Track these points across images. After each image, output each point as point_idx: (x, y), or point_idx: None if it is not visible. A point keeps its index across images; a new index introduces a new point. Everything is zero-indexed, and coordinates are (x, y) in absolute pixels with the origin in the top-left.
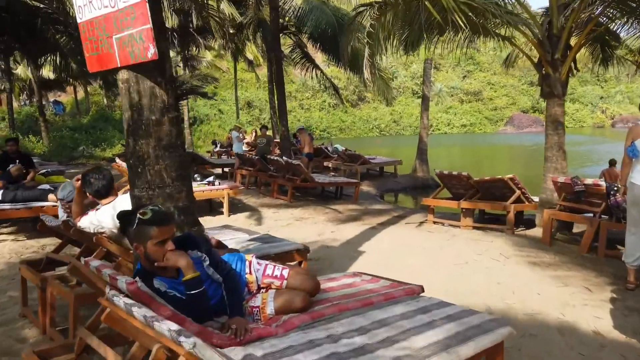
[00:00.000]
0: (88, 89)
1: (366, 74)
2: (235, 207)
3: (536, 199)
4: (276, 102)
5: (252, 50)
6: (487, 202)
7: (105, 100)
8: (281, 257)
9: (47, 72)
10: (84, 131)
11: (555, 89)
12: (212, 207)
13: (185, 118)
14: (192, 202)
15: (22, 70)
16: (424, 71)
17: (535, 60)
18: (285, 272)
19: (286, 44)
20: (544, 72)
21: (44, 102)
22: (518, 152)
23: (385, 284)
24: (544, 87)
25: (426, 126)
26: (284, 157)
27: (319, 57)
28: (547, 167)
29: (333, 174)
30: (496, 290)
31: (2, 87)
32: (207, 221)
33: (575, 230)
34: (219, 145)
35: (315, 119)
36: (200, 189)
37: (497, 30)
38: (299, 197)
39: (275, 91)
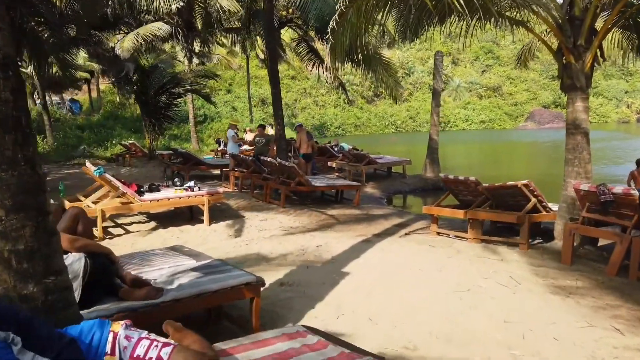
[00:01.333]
0: (102, 87)
1: (326, 74)
2: (221, 213)
3: (555, 207)
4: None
5: (261, 46)
6: (498, 212)
7: (118, 98)
8: (225, 295)
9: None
10: (93, 129)
11: (577, 80)
12: (193, 214)
13: (190, 116)
14: (51, 243)
15: (31, 69)
16: (435, 64)
17: (555, 48)
18: (166, 353)
19: (292, 37)
20: (564, 61)
21: (59, 101)
22: (538, 149)
23: (334, 352)
24: (564, 79)
25: (436, 123)
26: (277, 159)
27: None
28: (568, 171)
29: (337, 174)
30: (502, 333)
31: None
32: (185, 231)
33: (601, 242)
34: (222, 144)
35: (330, 116)
36: (176, 195)
37: (506, 13)
38: (295, 202)
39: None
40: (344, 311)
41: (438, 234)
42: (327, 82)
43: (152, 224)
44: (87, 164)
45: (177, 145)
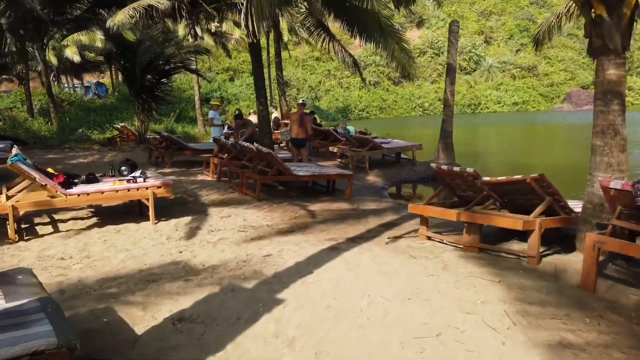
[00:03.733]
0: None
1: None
2: (181, 208)
3: (578, 206)
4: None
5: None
6: (500, 214)
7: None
8: None
9: (73, 54)
10: (99, 112)
11: (610, 40)
12: (142, 209)
13: (196, 97)
14: None
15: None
16: (449, 35)
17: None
18: None
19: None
20: (593, 14)
21: (88, 84)
22: (575, 133)
23: None
24: (593, 39)
25: (451, 104)
26: (255, 144)
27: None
28: (596, 162)
29: (340, 161)
30: None
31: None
32: (121, 231)
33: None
34: (226, 127)
35: (354, 98)
36: (112, 188)
37: None
38: (278, 193)
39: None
40: None
41: (429, 238)
42: (341, 61)
43: (93, 220)
44: (14, 150)
45: (180, 128)
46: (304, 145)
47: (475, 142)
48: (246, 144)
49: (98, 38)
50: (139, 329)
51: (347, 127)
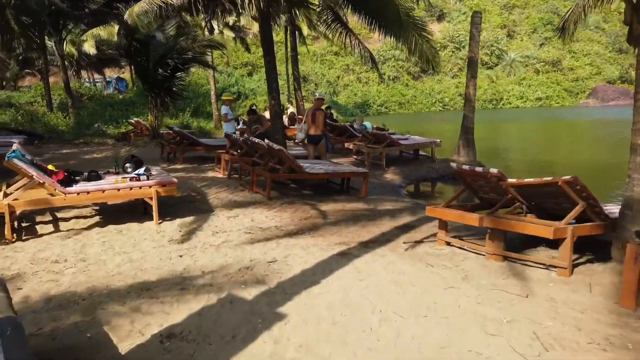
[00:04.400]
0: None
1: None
2: (187, 206)
3: (612, 210)
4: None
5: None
6: (527, 220)
7: None
8: None
9: (90, 48)
10: (116, 107)
11: None
12: (147, 208)
13: (212, 92)
14: None
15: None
16: (471, 28)
17: None
18: None
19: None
20: None
21: (109, 79)
22: (604, 130)
23: None
24: (634, 26)
25: (472, 98)
26: (266, 140)
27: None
28: (636, 162)
29: (355, 157)
30: None
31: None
32: (123, 232)
33: None
34: (241, 122)
35: (373, 93)
36: (113, 186)
37: None
38: (290, 191)
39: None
40: None
41: (448, 244)
42: (359, 56)
43: (95, 219)
44: (14, 146)
45: (195, 123)
46: (319, 141)
47: (497, 139)
48: (257, 140)
49: (116, 33)
50: (123, 346)
51: (364, 122)
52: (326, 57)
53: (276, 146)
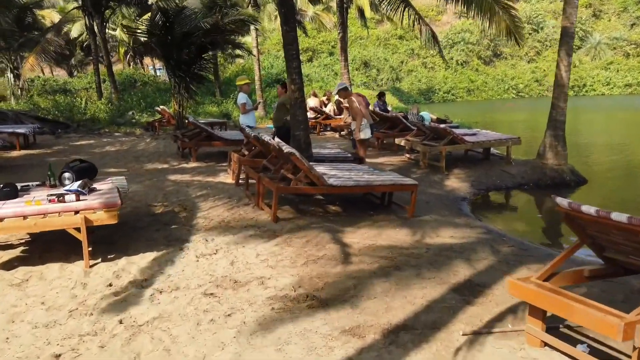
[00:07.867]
0: None
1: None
2: (159, 232)
3: None
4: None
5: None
6: None
7: None
8: None
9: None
10: (161, 93)
11: None
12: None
13: (256, 77)
14: None
15: (118, 32)
16: None
17: None
18: None
19: None
20: None
21: (151, 67)
22: None
23: None
24: None
25: (564, 83)
26: (276, 139)
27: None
28: None
29: (408, 157)
30: None
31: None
32: (34, 277)
33: None
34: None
35: (439, 79)
36: (20, 211)
37: None
38: (310, 207)
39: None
40: None
41: (545, 344)
42: (424, 40)
43: (12, 253)
44: None
45: (236, 113)
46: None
47: (588, 133)
48: (267, 138)
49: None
50: None
51: (421, 112)
52: (390, 41)
53: (287, 148)
